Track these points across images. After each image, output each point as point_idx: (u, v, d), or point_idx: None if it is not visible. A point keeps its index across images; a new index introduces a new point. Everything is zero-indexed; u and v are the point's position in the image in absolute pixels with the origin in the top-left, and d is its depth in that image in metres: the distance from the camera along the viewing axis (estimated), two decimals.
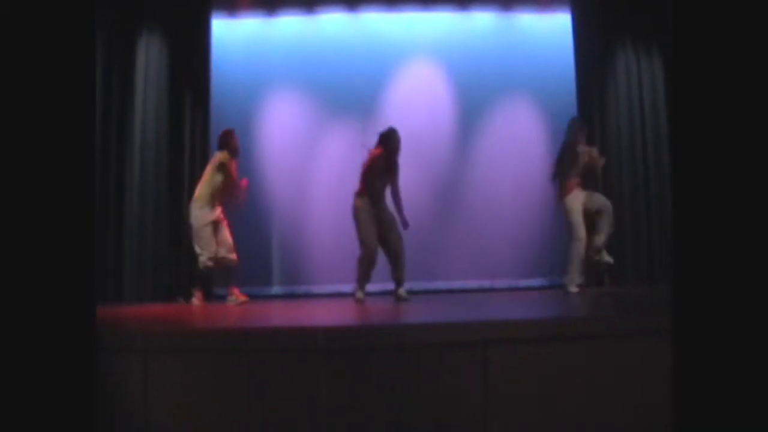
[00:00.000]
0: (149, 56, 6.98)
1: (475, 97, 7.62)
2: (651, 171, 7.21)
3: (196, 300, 5.77)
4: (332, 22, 7.71)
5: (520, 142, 7.61)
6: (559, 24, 7.60)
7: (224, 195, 5.78)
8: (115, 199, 6.69)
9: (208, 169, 5.77)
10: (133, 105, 6.86)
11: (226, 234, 5.73)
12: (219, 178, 5.66)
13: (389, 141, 5.46)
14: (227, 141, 5.78)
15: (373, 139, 5.55)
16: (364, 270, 5.40)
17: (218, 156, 5.70)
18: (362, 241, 5.37)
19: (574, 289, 5.70)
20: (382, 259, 5.49)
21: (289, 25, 7.71)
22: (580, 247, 5.76)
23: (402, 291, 5.42)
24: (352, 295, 5.49)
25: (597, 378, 2.56)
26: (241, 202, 5.94)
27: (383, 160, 5.43)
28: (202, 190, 5.73)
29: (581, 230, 5.79)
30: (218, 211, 5.73)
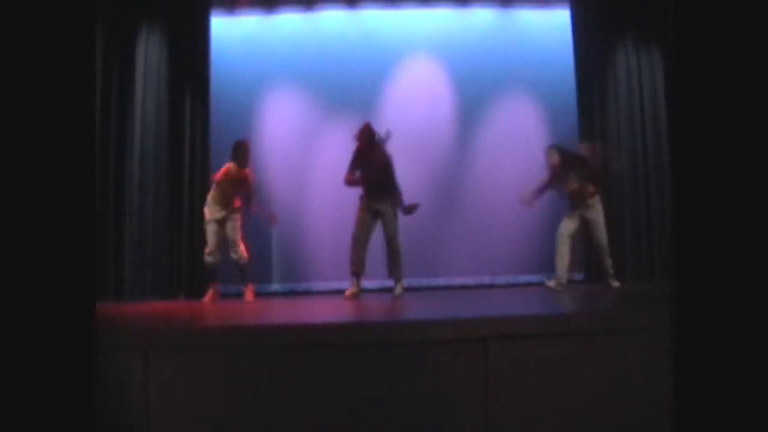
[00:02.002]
0: (149, 53, 6.99)
1: (474, 93, 7.62)
2: (651, 167, 7.21)
3: (207, 297, 5.74)
4: (331, 19, 7.71)
5: (519, 139, 7.61)
6: (558, 20, 7.59)
7: (233, 199, 5.79)
8: (115, 196, 6.69)
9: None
10: (133, 102, 6.86)
11: (233, 233, 5.72)
12: (224, 185, 5.70)
13: (360, 136, 5.57)
14: (235, 152, 5.78)
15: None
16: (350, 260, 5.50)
17: (226, 167, 5.75)
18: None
19: (553, 283, 5.76)
20: (378, 254, 5.52)
21: (288, 22, 7.70)
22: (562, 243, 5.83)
23: (398, 288, 5.51)
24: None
25: (597, 374, 2.56)
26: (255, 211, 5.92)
27: (358, 153, 5.56)
28: (212, 190, 5.78)
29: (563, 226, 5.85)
30: (229, 211, 5.74)
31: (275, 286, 7.35)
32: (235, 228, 5.73)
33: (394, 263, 5.49)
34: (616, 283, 5.89)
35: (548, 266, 7.20)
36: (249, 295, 5.72)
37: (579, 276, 7.06)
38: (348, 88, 7.50)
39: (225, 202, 5.72)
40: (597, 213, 5.90)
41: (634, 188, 7.20)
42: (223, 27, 7.53)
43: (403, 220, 5.58)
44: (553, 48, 7.57)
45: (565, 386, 2.54)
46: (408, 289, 5.85)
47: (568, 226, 5.85)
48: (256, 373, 2.53)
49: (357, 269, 5.47)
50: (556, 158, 5.88)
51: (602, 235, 5.89)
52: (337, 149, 7.39)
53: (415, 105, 7.55)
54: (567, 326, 2.64)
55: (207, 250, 5.67)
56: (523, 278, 7.33)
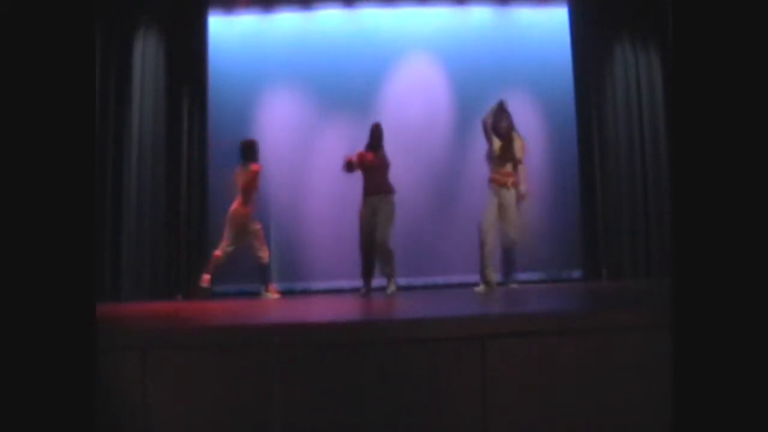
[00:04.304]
0: (146, 52, 6.97)
1: (472, 92, 7.60)
2: (648, 164, 7.22)
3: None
4: (329, 17, 7.71)
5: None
6: (556, 19, 7.60)
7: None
8: (113, 196, 6.67)
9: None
10: (131, 101, 6.85)
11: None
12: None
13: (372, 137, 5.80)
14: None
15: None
16: (362, 263, 5.52)
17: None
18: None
19: (482, 288, 5.36)
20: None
21: (286, 21, 7.70)
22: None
23: (391, 287, 5.53)
24: (356, 290, 5.54)
25: (596, 372, 2.56)
26: None
27: (371, 155, 5.69)
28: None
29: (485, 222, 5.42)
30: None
31: (273, 286, 7.34)
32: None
33: (386, 261, 5.51)
34: (514, 285, 5.65)
35: (545, 264, 7.21)
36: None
37: (576, 274, 7.08)
38: (346, 87, 7.50)
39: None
40: (512, 198, 5.42)
41: (632, 185, 7.21)
42: (220, 26, 7.53)
43: (402, 218, 5.59)
44: (551, 46, 7.58)
45: (564, 385, 2.54)
46: (406, 288, 5.86)
47: (489, 218, 5.39)
48: (255, 372, 2.53)
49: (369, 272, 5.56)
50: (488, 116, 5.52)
51: (513, 225, 5.39)
52: (335, 148, 7.40)
53: (412, 103, 7.55)
54: (565, 324, 2.64)
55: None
56: (521, 277, 7.31)
